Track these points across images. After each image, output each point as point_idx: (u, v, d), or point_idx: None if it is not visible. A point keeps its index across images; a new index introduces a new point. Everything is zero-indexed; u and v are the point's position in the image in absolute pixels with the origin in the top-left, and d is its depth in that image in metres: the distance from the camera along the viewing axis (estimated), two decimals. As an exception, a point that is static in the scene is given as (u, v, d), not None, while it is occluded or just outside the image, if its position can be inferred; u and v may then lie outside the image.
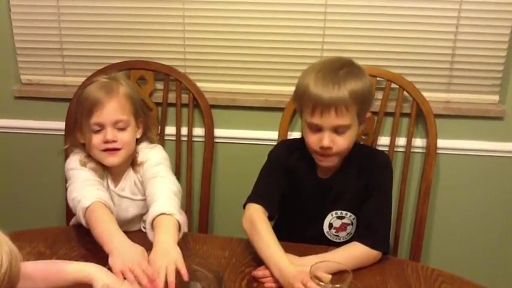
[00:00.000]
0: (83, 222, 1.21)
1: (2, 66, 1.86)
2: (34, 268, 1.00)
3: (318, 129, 1.26)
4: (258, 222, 1.26)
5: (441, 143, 1.68)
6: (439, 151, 1.69)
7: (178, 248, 1.08)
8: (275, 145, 1.49)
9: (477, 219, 1.83)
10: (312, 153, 1.33)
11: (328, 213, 1.38)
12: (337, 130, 1.26)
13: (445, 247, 1.87)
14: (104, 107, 1.29)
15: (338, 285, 1.04)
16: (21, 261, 0.82)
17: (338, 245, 1.33)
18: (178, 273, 1.03)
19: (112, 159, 1.33)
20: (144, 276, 1.01)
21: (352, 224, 1.38)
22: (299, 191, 1.40)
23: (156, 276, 1.01)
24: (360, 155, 1.37)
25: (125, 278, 1.00)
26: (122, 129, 1.32)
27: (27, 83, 1.88)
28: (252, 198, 1.34)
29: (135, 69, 1.75)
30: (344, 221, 1.38)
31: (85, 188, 1.27)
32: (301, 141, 1.38)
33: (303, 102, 1.29)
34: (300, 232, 1.36)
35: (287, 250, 1.20)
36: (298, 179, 1.39)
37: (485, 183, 1.79)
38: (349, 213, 1.38)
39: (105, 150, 1.32)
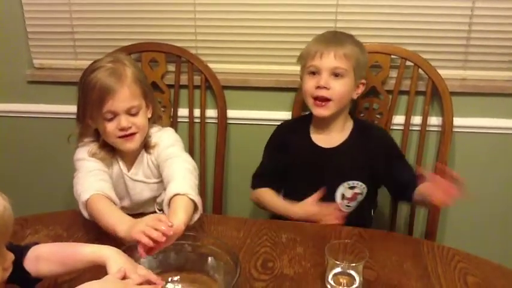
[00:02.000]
0: (85, 215, 1.22)
1: (15, 51, 1.87)
2: (49, 250, 1.01)
3: (316, 72, 1.39)
4: (263, 195, 1.49)
5: (457, 121, 1.66)
6: (455, 129, 1.66)
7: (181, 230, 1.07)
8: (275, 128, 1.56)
9: (493, 198, 1.81)
10: (308, 103, 1.43)
11: (340, 184, 1.44)
12: (335, 73, 1.38)
13: (460, 226, 1.86)
14: (115, 95, 1.26)
15: (354, 264, 1.04)
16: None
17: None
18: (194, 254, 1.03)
19: (129, 145, 1.32)
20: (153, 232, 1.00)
21: (362, 193, 1.45)
22: (304, 165, 1.47)
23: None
24: (361, 128, 1.49)
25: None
26: (135, 114, 1.31)
27: (39, 67, 1.89)
28: (258, 183, 1.52)
29: (147, 51, 1.74)
30: (355, 190, 1.45)
31: (87, 180, 1.27)
32: (299, 119, 1.56)
33: (306, 57, 1.42)
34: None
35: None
36: (301, 153, 1.48)
37: (502, 162, 1.76)
38: (360, 183, 1.44)
39: (121, 136, 1.31)
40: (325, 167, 1.45)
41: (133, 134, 1.31)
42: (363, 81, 1.46)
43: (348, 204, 1.46)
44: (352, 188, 1.45)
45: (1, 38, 1.85)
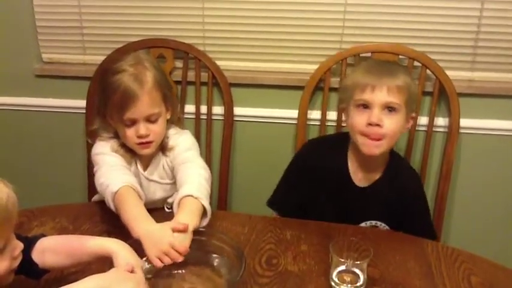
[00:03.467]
0: (112, 207, 1.21)
1: (24, 45, 1.87)
2: (56, 242, 1.02)
3: (366, 107, 1.26)
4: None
5: (464, 122, 1.65)
6: (461, 130, 1.66)
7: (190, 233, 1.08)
8: (302, 145, 1.46)
9: (498, 199, 1.81)
10: (357, 140, 1.29)
11: (362, 222, 1.38)
12: (387, 108, 1.25)
13: (465, 227, 1.86)
14: (136, 103, 1.26)
15: (358, 262, 1.04)
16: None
17: None
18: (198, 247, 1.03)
19: (146, 151, 1.34)
20: (178, 256, 1.03)
21: None
22: (332, 198, 1.39)
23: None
24: (394, 166, 1.37)
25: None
26: (154, 121, 1.31)
27: (48, 61, 1.89)
28: (271, 203, 1.45)
29: (155, 47, 1.75)
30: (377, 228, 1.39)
31: (112, 173, 1.27)
32: (335, 144, 1.40)
33: (353, 88, 1.28)
34: None
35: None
36: (335, 191, 1.38)
37: (509, 163, 1.76)
38: (383, 224, 1.38)
39: (139, 143, 1.32)
40: (352, 203, 1.38)
41: (150, 142, 1.32)
42: (413, 114, 1.35)
43: None
44: (374, 226, 1.39)
45: (11, 32, 1.86)
